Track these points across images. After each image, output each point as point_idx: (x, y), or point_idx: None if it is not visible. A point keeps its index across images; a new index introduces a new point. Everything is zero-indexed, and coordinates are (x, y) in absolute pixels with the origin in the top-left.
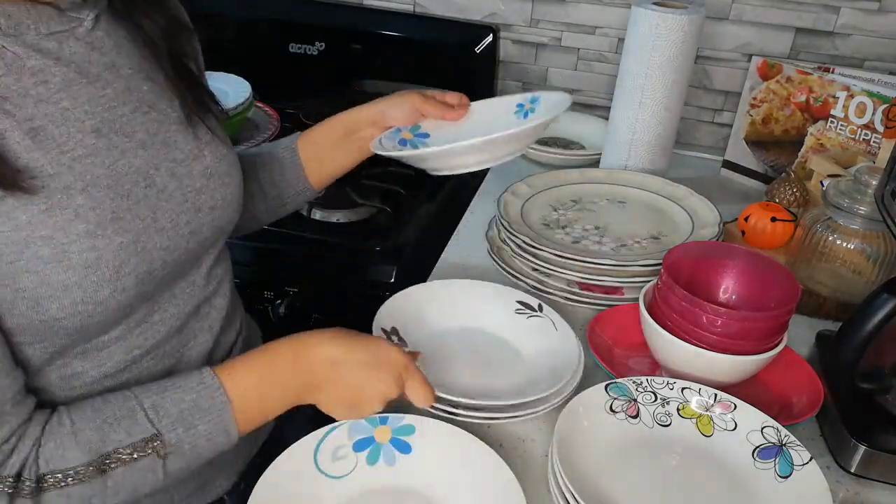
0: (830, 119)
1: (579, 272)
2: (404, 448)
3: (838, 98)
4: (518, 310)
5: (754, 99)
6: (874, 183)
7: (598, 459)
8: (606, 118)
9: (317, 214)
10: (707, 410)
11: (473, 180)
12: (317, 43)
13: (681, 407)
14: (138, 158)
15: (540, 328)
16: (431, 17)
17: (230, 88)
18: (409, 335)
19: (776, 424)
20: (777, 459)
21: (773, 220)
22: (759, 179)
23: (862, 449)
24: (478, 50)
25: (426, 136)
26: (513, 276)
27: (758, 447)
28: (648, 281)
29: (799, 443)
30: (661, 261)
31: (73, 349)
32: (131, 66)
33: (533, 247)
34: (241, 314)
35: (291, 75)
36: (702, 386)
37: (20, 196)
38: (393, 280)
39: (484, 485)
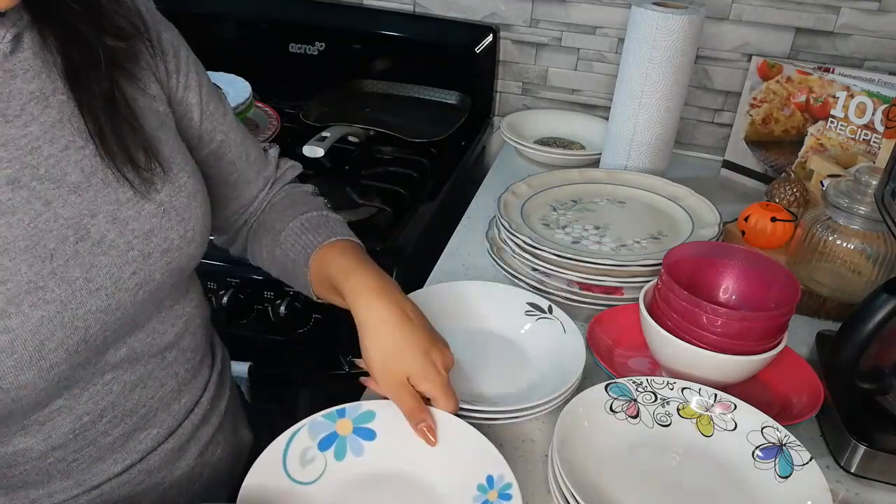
0: (830, 119)
1: (579, 272)
2: (368, 435)
3: (838, 98)
4: (528, 311)
5: (754, 99)
6: (874, 183)
7: (598, 460)
8: (606, 118)
9: None
10: (707, 410)
11: (473, 180)
12: (317, 43)
13: (681, 407)
14: (68, 207)
15: (549, 330)
16: (431, 17)
17: (230, 88)
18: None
19: (776, 424)
20: (777, 459)
21: (773, 220)
22: (759, 179)
23: (862, 449)
24: (478, 50)
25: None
26: (513, 276)
27: (758, 447)
28: (648, 281)
29: (799, 443)
30: (661, 261)
31: (9, 428)
32: (61, 92)
33: (533, 247)
34: (217, 345)
35: (291, 75)
36: (702, 386)
37: None
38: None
39: (455, 448)
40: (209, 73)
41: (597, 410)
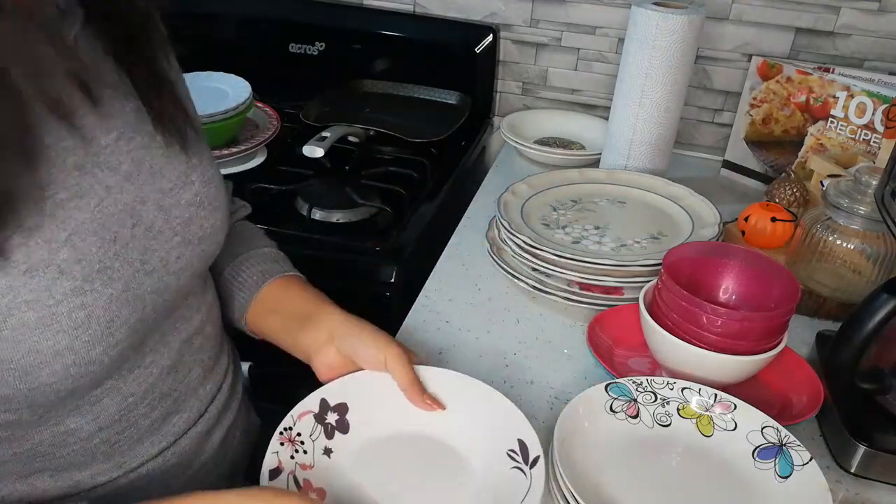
0: (830, 119)
1: (579, 272)
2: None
3: (838, 98)
4: (510, 451)
5: (754, 99)
6: (874, 183)
7: (598, 460)
8: (606, 118)
9: (317, 214)
10: (707, 410)
11: (473, 180)
12: (317, 43)
13: (681, 407)
14: (124, 194)
15: (514, 477)
16: (431, 17)
17: (230, 88)
18: (356, 419)
19: (776, 424)
20: (777, 459)
21: (773, 220)
22: (759, 179)
23: (862, 449)
24: (478, 50)
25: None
26: (513, 276)
27: (758, 447)
28: (648, 281)
29: (799, 443)
30: (661, 261)
31: (64, 408)
32: (109, 85)
33: (533, 247)
34: (227, 337)
35: (291, 75)
36: (702, 386)
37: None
38: (393, 280)
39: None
40: (209, 73)
41: (597, 410)
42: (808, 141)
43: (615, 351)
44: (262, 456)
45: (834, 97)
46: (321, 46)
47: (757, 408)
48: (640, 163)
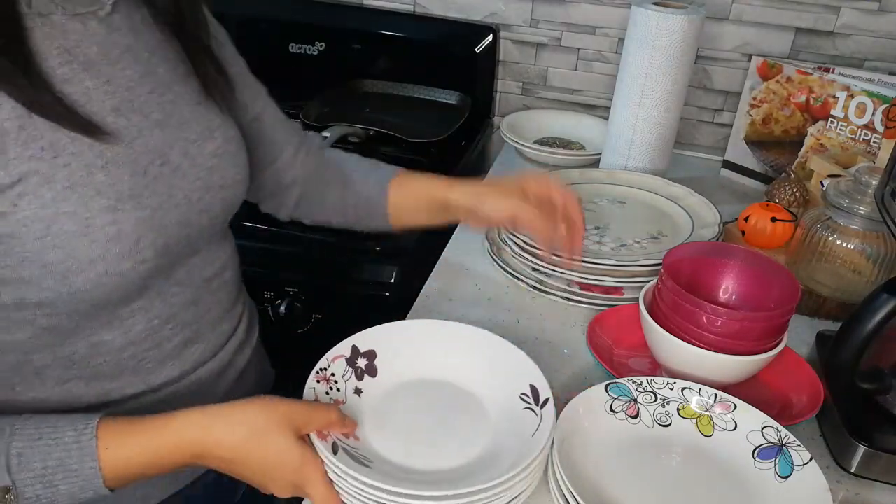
0: (830, 119)
1: (579, 272)
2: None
3: (838, 98)
4: (523, 395)
5: (754, 99)
6: (874, 183)
7: (598, 460)
8: (606, 118)
9: None
10: (707, 410)
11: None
12: (317, 43)
13: (681, 407)
14: (154, 138)
15: (525, 416)
16: (431, 17)
17: None
18: (383, 365)
19: (776, 424)
20: (777, 459)
21: (773, 220)
22: (759, 179)
23: (862, 449)
24: (478, 50)
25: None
26: (513, 276)
27: (758, 447)
28: (648, 281)
29: (799, 443)
30: (661, 261)
31: (98, 319)
32: (148, 49)
33: (533, 247)
34: (246, 297)
35: (291, 75)
36: (702, 386)
37: (44, 174)
38: (393, 280)
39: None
40: None
41: (597, 410)
42: (808, 141)
43: (615, 351)
44: None
45: (834, 97)
46: (321, 46)
47: (757, 408)
48: (640, 163)
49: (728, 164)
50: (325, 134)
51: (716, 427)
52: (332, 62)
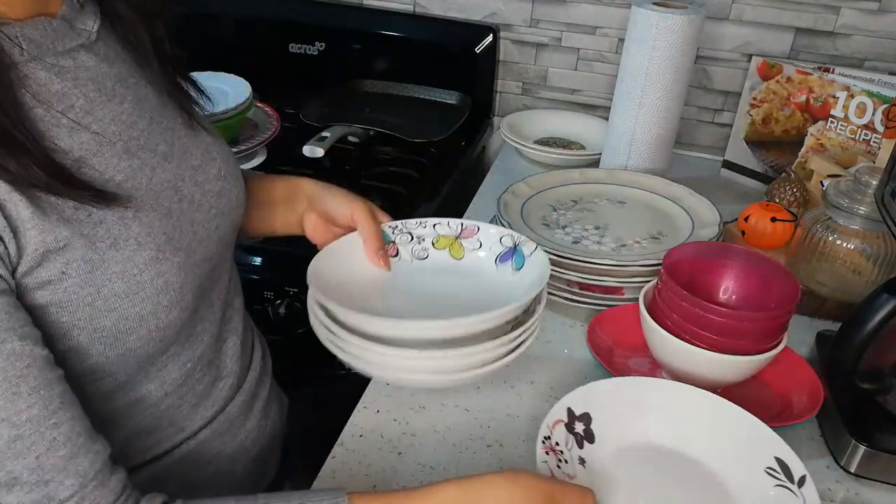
0: (830, 119)
1: (579, 272)
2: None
3: (838, 98)
4: (768, 469)
5: (754, 99)
6: (874, 183)
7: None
8: (606, 118)
9: None
10: (457, 239)
11: (473, 180)
12: (317, 43)
13: (435, 241)
14: (166, 173)
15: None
16: (431, 17)
17: (230, 88)
18: (600, 426)
19: (510, 232)
20: (513, 258)
21: (773, 220)
22: (759, 179)
23: (862, 449)
24: (478, 50)
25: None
26: None
27: (498, 255)
28: (648, 281)
29: (528, 239)
30: (661, 261)
31: (137, 375)
32: (132, 75)
33: None
34: (248, 315)
35: (291, 75)
36: (449, 219)
37: (87, 235)
38: None
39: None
40: (209, 73)
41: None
42: (808, 141)
43: (615, 351)
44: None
45: (834, 97)
46: (321, 46)
47: (757, 408)
48: (640, 163)
49: (728, 164)
50: (325, 134)
51: (465, 250)
52: (331, 62)
